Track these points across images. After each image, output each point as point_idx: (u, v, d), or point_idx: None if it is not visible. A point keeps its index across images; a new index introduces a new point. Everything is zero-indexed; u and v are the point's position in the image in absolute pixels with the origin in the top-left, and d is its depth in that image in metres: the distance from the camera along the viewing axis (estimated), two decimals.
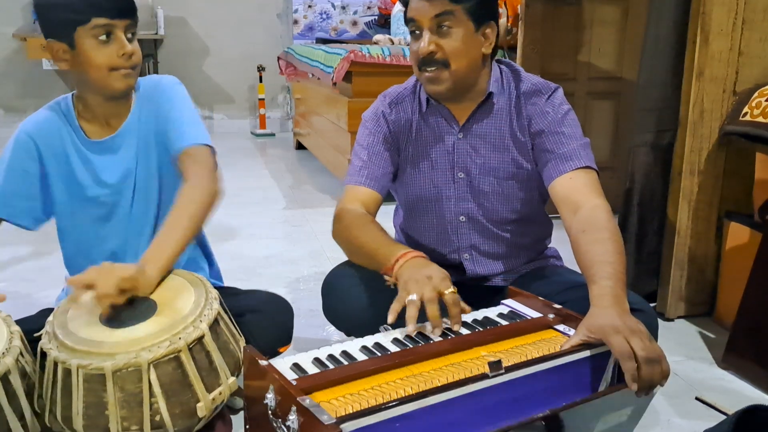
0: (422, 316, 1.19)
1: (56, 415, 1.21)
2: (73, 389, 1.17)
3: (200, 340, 1.22)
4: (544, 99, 1.48)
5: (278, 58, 4.96)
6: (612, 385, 1.12)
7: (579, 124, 1.48)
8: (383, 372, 1.04)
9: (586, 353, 1.11)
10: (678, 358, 1.76)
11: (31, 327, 1.30)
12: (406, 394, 0.97)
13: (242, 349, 1.25)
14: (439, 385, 1.00)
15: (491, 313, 1.29)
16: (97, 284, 1.19)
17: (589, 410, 1.04)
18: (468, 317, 1.25)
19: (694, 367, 1.73)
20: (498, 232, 1.55)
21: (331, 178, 3.92)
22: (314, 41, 5.28)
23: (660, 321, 1.49)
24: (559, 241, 1.65)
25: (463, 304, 1.24)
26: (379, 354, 1.11)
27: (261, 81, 5.64)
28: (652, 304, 1.82)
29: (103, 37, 1.38)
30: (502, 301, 1.34)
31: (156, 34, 5.33)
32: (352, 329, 1.52)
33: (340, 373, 1.03)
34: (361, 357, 1.10)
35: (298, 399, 0.93)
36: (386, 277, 1.32)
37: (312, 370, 1.06)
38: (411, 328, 1.16)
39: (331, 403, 0.95)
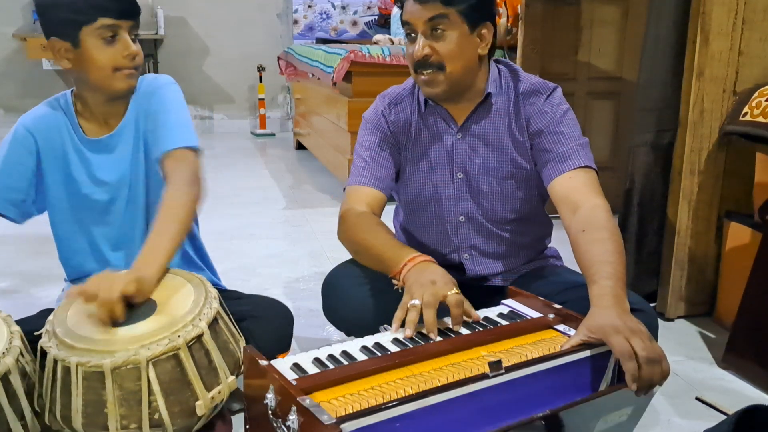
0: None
1: (56, 413, 1.21)
2: (72, 387, 1.17)
3: (199, 338, 1.22)
4: (542, 99, 1.48)
5: (278, 58, 4.96)
6: (612, 385, 1.12)
7: (578, 124, 1.48)
8: (383, 372, 1.04)
9: (587, 353, 1.11)
10: (678, 358, 1.76)
11: (31, 327, 1.30)
12: (406, 394, 0.97)
13: (242, 349, 1.26)
14: (439, 385, 1.00)
15: (491, 313, 1.29)
16: (99, 294, 1.19)
17: (589, 410, 1.04)
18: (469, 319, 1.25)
19: (694, 367, 1.73)
20: (497, 231, 1.55)
21: (331, 178, 3.92)
22: (314, 41, 5.28)
23: (660, 321, 1.49)
24: (559, 241, 1.65)
25: (471, 310, 1.24)
26: (379, 354, 1.11)
27: (261, 81, 5.64)
28: (652, 304, 1.82)
29: (109, 38, 1.38)
30: (502, 301, 1.34)
31: (156, 34, 5.33)
32: (352, 329, 1.52)
33: (340, 373, 1.03)
34: (361, 357, 1.10)
35: (298, 399, 0.93)
36: (394, 281, 1.32)
37: (312, 370, 1.06)
38: (409, 332, 1.16)
39: (331, 403, 0.95)
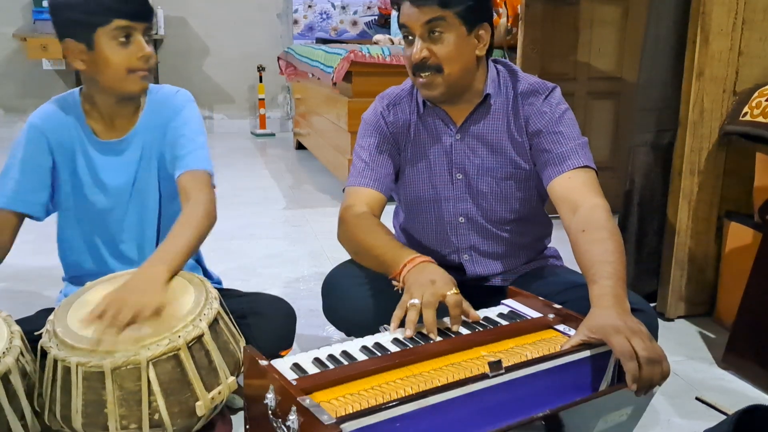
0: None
1: (56, 413, 1.21)
2: (72, 387, 1.17)
3: (199, 338, 1.22)
4: (541, 99, 1.48)
5: (278, 58, 4.96)
6: (612, 385, 1.12)
7: (577, 124, 1.48)
8: (383, 372, 1.04)
9: (587, 353, 1.11)
10: (678, 358, 1.76)
11: (32, 327, 1.30)
12: (406, 394, 0.97)
13: (242, 349, 1.26)
14: (439, 385, 1.00)
15: (491, 313, 1.29)
16: (110, 320, 1.19)
17: (589, 410, 1.04)
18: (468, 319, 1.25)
19: (694, 367, 1.73)
20: (497, 232, 1.55)
21: (331, 178, 3.92)
22: (314, 41, 5.28)
23: (660, 321, 1.49)
24: (558, 241, 1.65)
25: (470, 309, 1.24)
26: (379, 354, 1.11)
27: (261, 81, 5.64)
28: (652, 304, 1.82)
29: (123, 39, 1.39)
30: (502, 301, 1.34)
31: (156, 34, 5.32)
32: (352, 329, 1.52)
33: (340, 373, 1.03)
34: (361, 357, 1.10)
35: (298, 399, 0.93)
36: (394, 282, 1.32)
37: (312, 370, 1.06)
38: (409, 332, 1.16)
39: (331, 403, 0.95)
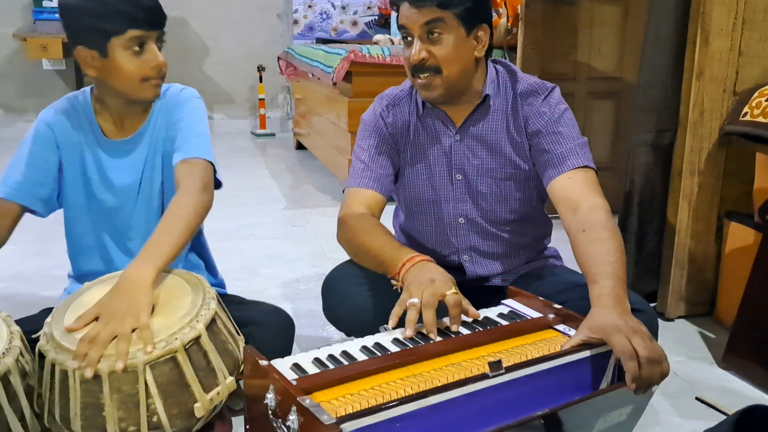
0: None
1: (55, 416, 1.21)
2: (70, 391, 1.17)
3: (197, 340, 1.22)
4: (540, 99, 1.47)
5: (278, 58, 4.96)
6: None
7: (576, 124, 1.48)
8: (383, 372, 1.04)
9: (587, 353, 1.11)
10: (678, 358, 1.76)
11: (31, 327, 1.30)
12: (406, 394, 0.97)
13: (242, 350, 1.26)
14: (439, 385, 1.00)
15: (491, 313, 1.29)
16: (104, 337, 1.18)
17: (588, 409, 1.04)
18: (468, 317, 1.25)
19: (694, 367, 1.73)
20: (497, 232, 1.55)
21: (331, 178, 3.92)
22: (314, 41, 5.27)
23: (660, 321, 1.49)
24: (558, 241, 1.65)
25: (470, 307, 1.24)
26: (379, 354, 1.11)
27: (261, 81, 5.64)
28: (652, 304, 1.82)
29: (137, 48, 1.39)
30: (502, 301, 1.34)
31: None
32: (352, 329, 1.52)
33: (340, 373, 1.03)
34: (361, 357, 1.10)
35: (298, 399, 0.93)
36: (393, 281, 1.32)
37: (312, 370, 1.06)
38: (409, 332, 1.16)
39: (331, 403, 0.95)
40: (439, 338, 1.16)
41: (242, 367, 1.17)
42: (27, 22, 5.25)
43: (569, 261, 1.47)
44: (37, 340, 1.25)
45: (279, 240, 2.89)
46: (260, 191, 3.77)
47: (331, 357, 1.10)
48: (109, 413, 1.16)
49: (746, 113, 1.78)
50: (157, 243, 1.32)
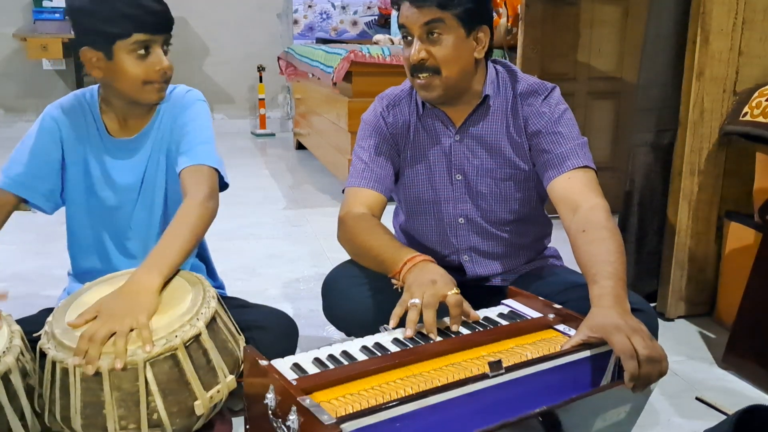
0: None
1: (55, 414, 1.21)
2: (70, 389, 1.17)
3: (197, 338, 1.22)
4: (540, 99, 1.48)
5: (278, 58, 4.96)
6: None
7: (576, 124, 1.48)
8: (383, 372, 1.04)
9: (587, 353, 1.11)
10: (678, 358, 1.76)
11: (32, 327, 1.30)
12: (406, 394, 0.97)
13: (242, 349, 1.26)
14: (439, 385, 1.00)
15: (491, 313, 1.29)
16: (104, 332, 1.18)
17: (586, 407, 1.04)
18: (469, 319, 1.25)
19: (694, 367, 1.73)
20: (497, 232, 1.55)
21: (331, 178, 3.92)
22: (314, 41, 5.27)
23: (660, 321, 1.49)
24: (558, 241, 1.65)
25: (470, 310, 1.24)
26: (379, 354, 1.11)
27: (261, 81, 5.64)
28: (652, 304, 1.82)
29: (142, 52, 1.39)
30: (502, 301, 1.34)
31: None
32: (352, 329, 1.52)
33: (340, 373, 1.03)
34: (361, 357, 1.10)
35: (298, 399, 0.93)
36: (393, 281, 1.32)
37: (312, 370, 1.06)
38: (409, 332, 1.16)
39: (331, 403, 0.95)
40: (439, 338, 1.16)
41: (242, 367, 1.17)
42: (27, 22, 5.25)
43: (569, 261, 1.47)
44: (37, 339, 1.25)
45: (279, 240, 2.89)
46: (260, 191, 3.77)
47: (331, 357, 1.10)
48: (109, 411, 1.16)
49: (746, 113, 1.78)
50: (164, 250, 1.33)
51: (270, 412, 0.99)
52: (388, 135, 1.55)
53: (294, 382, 0.99)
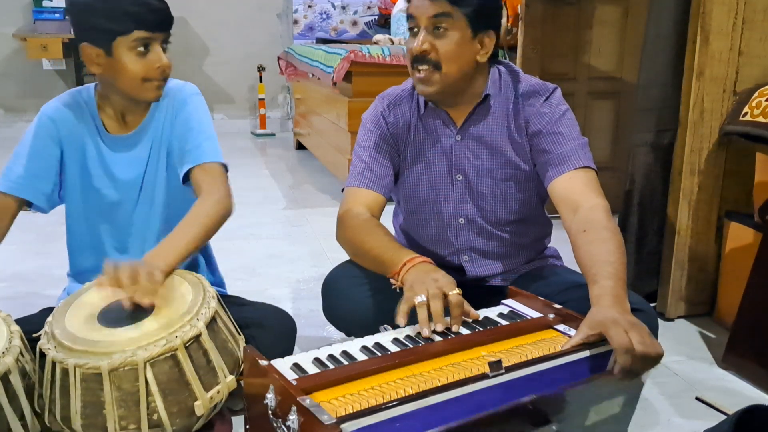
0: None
1: (55, 414, 1.21)
2: (71, 389, 1.17)
3: (197, 338, 1.22)
4: (541, 100, 1.48)
5: (278, 58, 4.96)
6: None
7: (577, 124, 1.48)
8: (383, 372, 1.04)
9: (586, 353, 1.11)
10: (678, 358, 1.76)
11: (31, 326, 1.30)
12: (406, 394, 0.97)
13: (242, 349, 1.26)
14: (439, 385, 1.00)
15: (491, 313, 1.29)
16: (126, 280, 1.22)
17: (577, 398, 1.04)
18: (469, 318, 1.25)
19: (694, 367, 1.73)
20: (497, 233, 1.55)
21: (331, 178, 3.92)
22: (314, 41, 5.27)
23: (660, 321, 1.49)
24: (558, 241, 1.65)
25: (470, 309, 1.24)
26: (379, 354, 1.11)
27: (261, 81, 5.64)
28: (652, 304, 1.82)
29: (141, 49, 1.40)
30: (502, 301, 1.34)
31: None
32: (352, 329, 1.52)
33: (340, 373, 1.03)
34: (361, 357, 1.10)
35: (298, 399, 0.93)
36: (392, 281, 1.32)
37: (312, 370, 1.06)
38: (426, 331, 1.16)
39: (331, 403, 0.95)
40: (439, 338, 1.16)
41: (242, 367, 1.17)
42: (27, 22, 5.25)
43: (569, 261, 1.47)
44: (37, 339, 1.25)
45: (279, 240, 2.89)
46: (260, 191, 3.77)
47: (331, 357, 1.10)
48: (109, 411, 1.16)
49: (746, 113, 1.78)
50: (172, 243, 1.35)
51: (270, 412, 0.99)
52: (388, 135, 1.55)
53: (294, 382, 0.99)
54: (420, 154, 1.54)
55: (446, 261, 1.58)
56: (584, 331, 1.11)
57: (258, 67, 5.61)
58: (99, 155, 1.53)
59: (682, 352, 1.80)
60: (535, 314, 1.26)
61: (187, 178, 1.49)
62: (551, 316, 1.24)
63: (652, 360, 1.05)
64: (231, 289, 1.75)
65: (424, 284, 1.21)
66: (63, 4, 4.71)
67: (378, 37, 4.33)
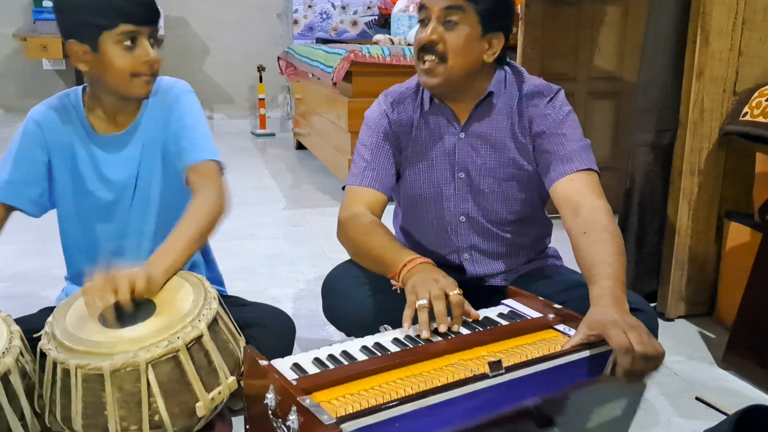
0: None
1: (56, 415, 1.21)
2: (71, 389, 1.17)
3: (198, 339, 1.22)
4: (545, 101, 1.48)
5: (278, 58, 4.96)
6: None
7: (580, 126, 1.48)
8: (383, 372, 1.04)
9: (586, 353, 1.11)
10: (678, 358, 1.76)
11: (32, 326, 1.30)
12: (406, 394, 0.97)
13: (242, 349, 1.26)
14: (439, 385, 1.00)
15: (491, 313, 1.29)
16: (104, 284, 1.21)
17: (579, 401, 1.04)
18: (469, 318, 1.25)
19: (694, 367, 1.73)
20: (497, 232, 1.55)
21: (331, 178, 3.92)
22: (314, 41, 5.27)
23: (660, 321, 1.49)
24: (559, 241, 1.65)
25: (470, 309, 1.24)
26: (379, 354, 1.11)
27: (261, 81, 5.64)
28: (652, 304, 1.82)
29: (128, 43, 1.38)
30: (502, 301, 1.34)
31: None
32: (352, 329, 1.52)
33: (340, 373, 1.03)
34: (361, 357, 1.10)
35: (298, 399, 0.93)
36: (392, 282, 1.32)
37: (312, 370, 1.06)
38: (426, 333, 1.16)
39: (331, 403, 0.95)
40: (439, 338, 1.16)
41: (243, 368, 1.17)
42: (27, 22, 5.25)
43: (569, 261, 1.47)
44: (37, 339, 1.25)
45: (279, 240, 2.89)
46: (260, 191, 3.77)
47: (331, 357, 1.10)
48: (110, 412, 1.16)
49: (746, 113, 1.78)
50: (171, 247, 1.34)
51: (270, 412, 0.99)
52: (390, 133, 1.54)
53: (294, 382, 0.99)
54: (422, 152, 1.54)
55: (446, 260, 1.58)
56: (583, 331, 1.12)
57: (258, 67, 5.61)
58: (90, 157, 1.52)
59: (682, 352, 1.80)
60: (535, 314, 1.27)
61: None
62: (551, 316, 1.24)
63: (654, 360, 1.05)
64: (231, 290, 1.75)
65: (425, 286, 1.21)
66: None
67: (378, 37, 4.33)
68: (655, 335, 1.32)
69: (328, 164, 3.94)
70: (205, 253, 1.70)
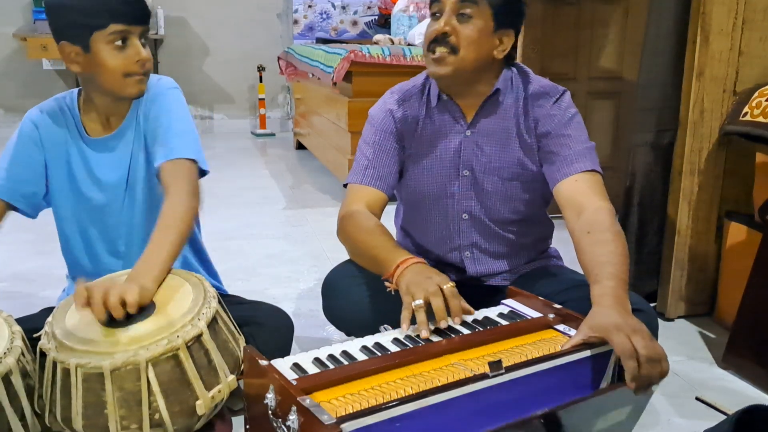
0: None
1: (56, 415, 1.21)
2: (72, 389, 1.17)
3: (198, 338, 1.22)
4: (551, 102, 1.48)
5: (278, 58, 4.96)
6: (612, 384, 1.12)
7: (584, 128, 1.49)
8: (383, 372, 1.04)
9: (587, 353, 1.11)
10: (678, 358, 1.76)
11: (32, 326, 1.30)
12: (406, 394, 0.97)
13: (242, 349, 1.26)
14: (439, 385, 1.00)
15: (491, 313, 1.29)
16: (96, 297, 1.19)
17: (588, 409, 1.04)
18: (468, 317, 1.25)
19: (694, 367, 1.73)
20: (499, 231, 1.55)
21: (331, 178, 3.92)
22: (314, 41, 5.27)
23: (660, 321, 1.49)
24: (560, 241, 1.65)
25: (466, 305, 1.24)
26: (380, 354, 1.11)
27: (261, 81, 5.64)
28: (652, 304, 1.82)
29: (119, 43, 1.38)
30: (503, 301, 1.34)
31: (156, 34, 5.32)
32: (352, 329, 1.52)
33: (340, 373, 1.03)
34: (361, 357, 1.10)
35: (298, 399, 0.93)
36: (387, 283, 1.32)
37: (312, 370, 1.06)
38: (425, 333, 1.16)
39: (331, 403, 0.95)
40: (438, 338, 1.16)
41: (242, 367, 1.17)
42: (27, 22, 5.25)
43: (570, 262, 1.47)
44: (37, 339, 1.25)
45: (279, 240, 2.89)
46: (260, 191, 3.77)
47: (331, 357, 1.10)
48: (110, 411, 1.16)
49: (746, 113, 1.78)
50: (153, 256, 1.32)
51: (270, 412, 0.99)
52: (394, 131, 1.54)
53: (294, 382, 0.99)
54: (427, 149, 1.54)
55: (447, 258, 1.58)
56: (585, 332, 1.12)
57: (258, 67, 5.61)
58: (83, 159, 1.52)
59: (682, 352, 1.80)
60: (535, 314, 1.27)
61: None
62: (551, 316, 1.24)
63: (658, 363, 1.05)
64: (231, 289, 1.75)
65: (419, 285, 1.21)
66: None
67: (378, 37, 4.34)
68: (656, 335, 1.32)
69: (328, 164, 3.94)
70: (200, 253, 1.70)
